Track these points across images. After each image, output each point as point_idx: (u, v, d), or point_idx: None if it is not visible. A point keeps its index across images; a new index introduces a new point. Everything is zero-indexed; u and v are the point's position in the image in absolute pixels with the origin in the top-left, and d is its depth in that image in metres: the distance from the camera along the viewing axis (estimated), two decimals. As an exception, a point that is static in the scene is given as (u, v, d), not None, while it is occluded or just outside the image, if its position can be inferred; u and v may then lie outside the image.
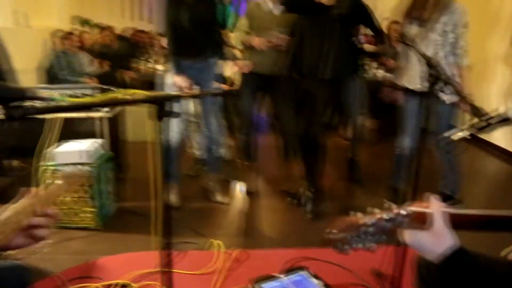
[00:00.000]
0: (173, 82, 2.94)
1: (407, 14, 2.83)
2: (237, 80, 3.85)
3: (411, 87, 2.88)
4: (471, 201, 3.54)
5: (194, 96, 3.11)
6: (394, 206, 0.91)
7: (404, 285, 1.97)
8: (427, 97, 1.65)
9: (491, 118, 1.18)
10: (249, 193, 3.44)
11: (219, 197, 3.27)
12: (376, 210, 0.90)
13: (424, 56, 1.72)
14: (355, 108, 3.35)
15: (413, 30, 2.80)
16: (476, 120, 1.22)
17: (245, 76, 3.37)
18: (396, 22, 3.41)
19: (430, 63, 1.66)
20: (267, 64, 3.23)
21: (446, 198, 3.08)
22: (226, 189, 3.44)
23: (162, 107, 1.36)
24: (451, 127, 2.86)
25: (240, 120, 3.60)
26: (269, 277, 1.47)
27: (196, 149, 3.84)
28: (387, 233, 0.89)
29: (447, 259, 0.89)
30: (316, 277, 1.51)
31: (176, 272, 2.14)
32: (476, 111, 1.27)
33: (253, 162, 3.62)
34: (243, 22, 3.32)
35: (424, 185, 1.81)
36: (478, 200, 3.61)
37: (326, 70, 2.96)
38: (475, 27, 3.13)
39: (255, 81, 3.33)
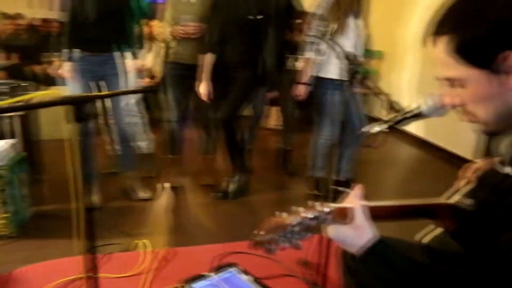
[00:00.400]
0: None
1: (340, 7, 2.90)
2: (158, 72, 3.77)
3: (331, 77, 3.00)
4: (388, 186, 3.77)
5: (109, 96, 2.97)
6: (317, 204, 0.94)
7: (330, 273, 2.05)
8: (347, 88, 1.72)
9: (406, 112, 1.25)
10: (173, 188, 3.39)
11: (141, 194, 3.19)
12: (300, 209, 0.92)
13: (342, 51, 1.78)
14: (287, 99, 3.44)
15: (348, 22, 2.90)
16: (392, 114, 1.29)
17: (168, 67, 3.31)
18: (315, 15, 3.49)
19: (348, 58, 1.73)
20: (189, 54, 3.19)
21: (343, 184, 3.30)
22: (148, 185, 3.34)
23: (80, 109, 1.29)
24: (363, 115, 3.11)
25: (165, 113, 3.53)
26: (199, 277, 1.46)
27: (112, 146, 3.71)
28: (312, 230, 0.92)
29: (368, 250, 0.94)
30: (245, 272, 1.52)
31: (102, 276, 2.07)
32: (393, 106, 1.35)
33: (178, 156, 3.57)
34: (168, 12, 3.26)
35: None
36: (393, 184, 3.86)
37: (248, 59, 2.98)
38: (384, 15, 3.29)
39: (178, 71, 3.28)
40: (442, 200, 1.13)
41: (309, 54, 3.00)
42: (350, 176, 3.34)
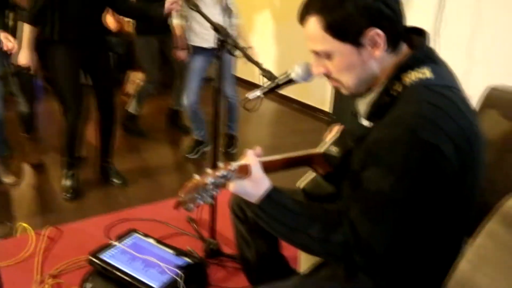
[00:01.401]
0: None
1: None
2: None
3: (200, 45, 3.16)
4: (261, 141, 4.06)
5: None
6: (222, 164, 1.09)
7: (218, 227, 2.24)
8: (217, 56, 1.86)
9: (278, 80, 1.44)
10: (36, 167, 3.26)
11: (4, 178, 3.01)
12: (209, 171, 1.06)
13: (210, 21, 1.90)
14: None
15: None
16: (266, 81, 1.48)
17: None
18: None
19: (216, 28, 1.86)
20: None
21: (231, 138, 3.64)
22: (9, 167, 3.15)
23: None
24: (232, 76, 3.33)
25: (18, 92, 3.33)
26: (105, 247, 1.53)
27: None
28: (220, 187, 1.07)
29: (265, 198, 1.11)
30: (146, 236, 1.63)
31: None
32: (267, 74, 1.54)
33: (34, 133, 3.42)
34: None
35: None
36: (265, 139, 4.18)
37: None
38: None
39: None
40: (315, 150, 1.37)
41: (176, 21, 3.08)
42: (235, 133, 3.66)
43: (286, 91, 5.01)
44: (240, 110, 3.61)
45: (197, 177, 1.03)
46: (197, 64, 3.26)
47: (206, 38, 3.14)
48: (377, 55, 1.08)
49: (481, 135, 1.08)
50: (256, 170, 1.12)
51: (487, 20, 3.11)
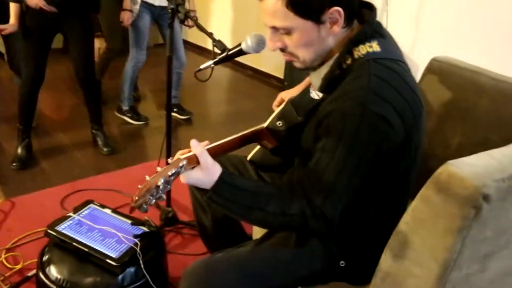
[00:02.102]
0: None
1: None
2: None
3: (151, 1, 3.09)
4: (217, 109, 4.07)
5: None
6: (170, 161, 1.09)
7: (175, 194, 2.28)
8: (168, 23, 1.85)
9: (229, 50, 1.46)
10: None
11: None
12: (159, 169, 1.06)
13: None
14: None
15: None
16: (218, 52, 1.50)
17: None
18: None
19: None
20: None
21: (178, 107, 3.63)
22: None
23: None
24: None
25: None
26: (62, 219, 1.53)
27: None
28: (171, 182, 1.09)
29: (218, 183, 1.13)
30: (103, 206, 1.64)
31: None
32: (218, 44, 1.55)
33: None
34: None
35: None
36: (221, 106, 4.19)
37: None
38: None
39: None
40: (260, 125, 1.40)
41: None
42: (178, 101, 3.61)
43: (240, 58, 5.01)
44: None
45: (148, 178, 1.04)
46: (145, 23, 3.20)
47: None
48: (335, 31, 1.11)
49: (422, 105, 1.16)
50: (204, 158, 1.12)
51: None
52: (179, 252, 2.07)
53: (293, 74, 3.94)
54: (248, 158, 1.60)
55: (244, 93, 4.37)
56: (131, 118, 3.50)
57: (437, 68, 1.74)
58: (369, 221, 1.26)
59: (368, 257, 1.26)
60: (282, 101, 1.53)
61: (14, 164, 2.75)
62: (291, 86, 1.26)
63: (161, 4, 3.13)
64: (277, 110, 1.42)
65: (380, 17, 3.46)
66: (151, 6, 3.15)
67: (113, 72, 3.82)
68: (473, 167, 0.90)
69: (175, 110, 3.58)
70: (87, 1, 2.68)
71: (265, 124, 1.39)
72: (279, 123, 1.37)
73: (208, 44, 5.35)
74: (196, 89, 4.26)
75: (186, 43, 4.85)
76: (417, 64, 3.41)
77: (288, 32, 1.12)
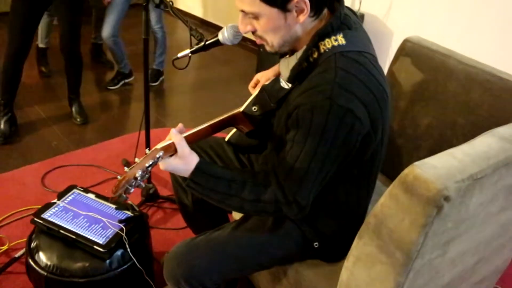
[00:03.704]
0: None
1: None
2: None
3: None
4: (185, 70, 4.04)
5: None
6: (148, 151, 1.14)
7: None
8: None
9: (206, 40, 1.48)
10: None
11: None
12: (137, 160, 1.11)
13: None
14: None
15: None
16: (196, 42, 1.51)
17: None
18: None
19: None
20: None
21: (158, 72, 3.67)
22: None
23: None
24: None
25: None
26: (47, 206, 1.57)
27: None
28: (149, 172, 1.14)
29: (196, 171, 1.20)
30: (86, 191, 1.68)
31: None
32: (195, 33, 1.56)
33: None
34: None
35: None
36: (189, 67, 4.16)
37: None
38: None
39: None
40: (236, 110, 1.45)
41: None
42: (162, 67, 3.67)
43: (216, 22, 4.94)
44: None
45: (126, 169, 1.08)
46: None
47: None
48: (301, 20, 1.15)
49: (388, 95, 1.21)
50: (182, 147, 1.18)
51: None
52: (161, 227, 2.15)
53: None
54: (226, 139, 1.65)
55: (219, 58, 4.34)
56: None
57: (409, 49, 1.79)
58: (339, 205, 1.34)
59: (340, 238, 1.37)
60: (257, 81, 1.57)
61: None
62: (266, 53, 1.29)
63: None
64: (252, 95, 1.46)
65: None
66: None
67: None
68: (436, 169, 0.97)
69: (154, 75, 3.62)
70: None
71: (241, 109, 1.44)
72: (255, 108, 1.42)
73: (185, 7, 5.26)
74: (172, 54, 4.21)
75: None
76: (392, 30, 3.46)
77: (255, 17, 1.16)
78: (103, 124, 3.08)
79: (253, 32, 1.22)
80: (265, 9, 1.12)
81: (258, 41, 1.25)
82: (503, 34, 2.87)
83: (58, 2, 2.66)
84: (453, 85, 1.64)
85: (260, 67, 3.56)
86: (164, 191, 2.35)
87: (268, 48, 1.25)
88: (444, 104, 1.67)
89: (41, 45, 3.64)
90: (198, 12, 5.11)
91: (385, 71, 2.72)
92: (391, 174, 1.80)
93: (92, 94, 3.45)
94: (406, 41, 1.81)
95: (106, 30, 3.23)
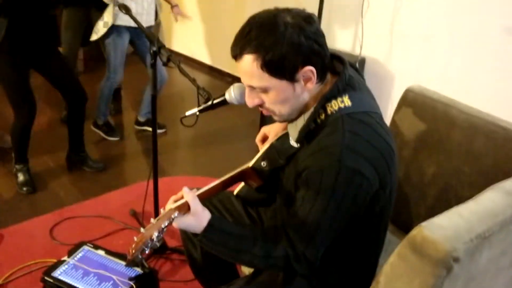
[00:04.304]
0: None
1: None
2: None
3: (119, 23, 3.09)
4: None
5: None
6: (163, 211, 1.19)
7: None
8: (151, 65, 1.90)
9: (214, 99, 1.53)
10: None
11: None
12: (153, 220, 1.15)
13: (144, 30, 1.95)
14: None
15: None
16: (203, 102, 1.56)
17: None
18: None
19: (150, 39, 1.88)
20: None
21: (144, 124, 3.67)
22: None
23: None
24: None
25: None
26: (57, 265, 1.58)
27: None
28: (164, 231, 1.17)
29: (208, 228, 1.22)
30: (96, 247, 1.70)
31: None
32: (202, 92, 1.61)
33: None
34: None
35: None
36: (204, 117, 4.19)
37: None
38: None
39: None
40: (246, 165, 1.47)
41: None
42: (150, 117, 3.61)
43: (218, 64, 5.05)
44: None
45: (143, 231, 1.12)
46: (123, 42, 3.23)
47: (143, 18, 3.13)
48: (309, 88, 1.19)
49: (395, 152, 1.24)
50: (195, 205, 1.21)
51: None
52: (170, 279, 2.14)
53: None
54: (235, 193, 1.67)
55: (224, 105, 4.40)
56: (105, 133, 3.53)
57: (411, 99, 1.82)
58: (349, 259, 1.35)
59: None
60: (265, 136, 1.60)
61: (24, 188, 2.78)
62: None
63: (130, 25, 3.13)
64: (261, 151, 1.50)
65: (356, 29, 3.58)
66: (129, 27, 3.16)
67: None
68: (444, 230, 0.98)
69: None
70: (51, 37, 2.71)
71: (250, 164, 1.47)
72: (264, 164, 1.45)
73: (193, 54, 5.38)
74: (173, 98, 4.30)
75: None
76: (393, 74, 3.53)
77: (264, 90, 1.19)
78: (110, 174, 3.10)
79: (261, 105, 1.25)
80: (274, 82, 1.16)
81: (266, 112, 1.28)
82: (502, 77, 2.92)
83: (53, 66, 2.71)
84: (456, 135, 1.67)
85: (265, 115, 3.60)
86: (172, 242, 2.34)
87: (276, 118, 1.28)
88: (448, 153, 1.69)
89: None
90: (202, 57, 5.23)
91: (388, 115, 2.78)
92: (399, 224, 1.81)
93: (97, 145, 3.49)
94: (408, 91, 1.85)
95: (116, 77, 3.31)
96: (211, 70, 5.08)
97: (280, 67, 1.13)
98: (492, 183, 1.26)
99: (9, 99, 2.64)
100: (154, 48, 1.80)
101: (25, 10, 2.47)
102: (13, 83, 2.60)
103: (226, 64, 4.87)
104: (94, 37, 3.13)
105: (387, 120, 1.40)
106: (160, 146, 3.45)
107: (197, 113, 1.57)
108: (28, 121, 2.70)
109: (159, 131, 3.63)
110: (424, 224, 1.01)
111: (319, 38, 1.16)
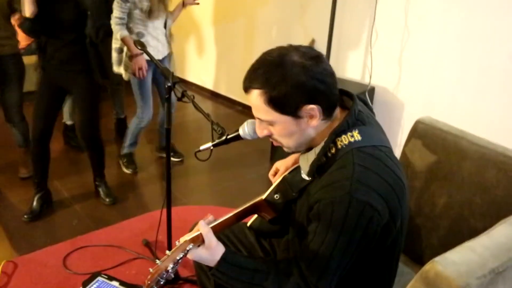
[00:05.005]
0: None
1: None
2: None
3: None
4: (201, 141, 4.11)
5: None
6: (178, 244, 1.22)
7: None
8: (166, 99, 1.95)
9: (228, 135, 1.57)
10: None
11: None
12: (168, 252, 1.19)
13: (159, 66, 2.01)
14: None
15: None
16: (217, 136, 1.60)
17: None
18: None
19: (165, 75, 1.94)
20: None
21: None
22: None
23: None
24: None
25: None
26: (71, 297, 1.60)
27: None
28: (179, 263, 1.20)
29: (221, 261, 1.25)
30: (110, 278, 1.71)
31: None
32: (216, 127, 1.65)
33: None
34: None
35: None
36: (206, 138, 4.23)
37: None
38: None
39: None
40: (259, 198, 1.50)
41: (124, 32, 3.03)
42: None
43: (229, 93, 5.13)
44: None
45: (159, 263, 1.16)
46: (148, 78, 3.26)
47: (159, 49, 3.22)
48: (313, 125, 1.23)
49: (405, 185, 1.26)
50: (209, 238, 1.24)
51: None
52: (182, 310, 2.14)
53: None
54: (248, 224, 1.69)
55: (234, 129, 4.44)
56: (123, 164, 3.57)
57: (421, 131, 1.84)
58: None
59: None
60: (277, 170, 1.63)
61: (25, 216, 2.83)
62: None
63: (158, 57, 3.20)
64: (274, 183, 1.52)
65: (365, 59, 3.63)
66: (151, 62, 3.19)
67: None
68: (457, 266, 0.99)
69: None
70: (88, 57, 2.78)
71: (263, 196, 1.50)
72: (277, 196, 1.47)
73: (204, 83, 5.49)
74: (185, 127, 4.35)
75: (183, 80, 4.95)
76: (402, 102, 3.56)
77: (271, 123, 1.25)
78: (123, 202, 3.13)
79: (270, 136, 1.30)
80: (279, 117, 1.21)
81: (275, 143, 1.33)
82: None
83: (76, 92, 2.83)
84: (467, 166, 1.68)
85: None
86: (184, 272, 2.35)
87: (285, 149, 1.33)
88: (459, 184, 1.70)
89: (68, 122, 3.80)
90: (211, 85, 5.32)
91: (398, 143, 2.75)
92: (411, 254, 1.80)
93: (112, 172, 3.53)
94: (418, 123, 1.87)
95: (148, 115, 3.35)
96: (224, 100, 5.16)
97: (283, 103, 1.19)
98: (504, 213, 1.27)
99: (33, 108, 2.80)
100: (169, 83, 1.85)
101: (48, 31, 2.67)
102: (37, 94, 2.79)
103: (236, 91, 4.95)
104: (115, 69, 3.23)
105: (398, 149, 1.42)
106: (173, 173, 3.51)
107: (211, 147, 1.60)
108: (40, 138, 2.80)
109: (176, 159, 3.68)
110: (437, 259, 1.02)
111: (325, 77, 1.20)
